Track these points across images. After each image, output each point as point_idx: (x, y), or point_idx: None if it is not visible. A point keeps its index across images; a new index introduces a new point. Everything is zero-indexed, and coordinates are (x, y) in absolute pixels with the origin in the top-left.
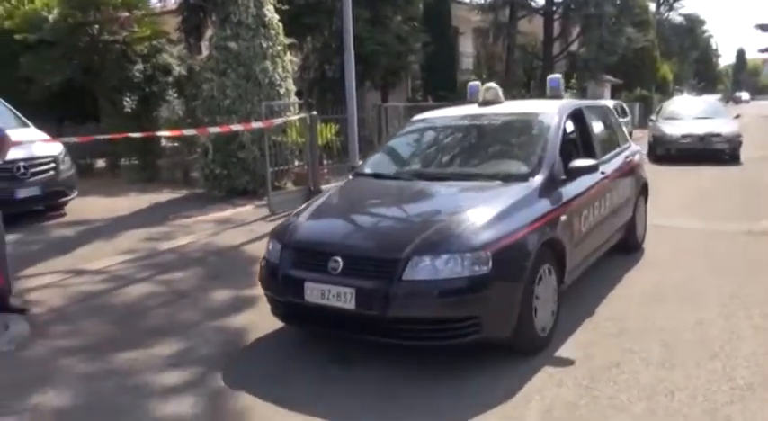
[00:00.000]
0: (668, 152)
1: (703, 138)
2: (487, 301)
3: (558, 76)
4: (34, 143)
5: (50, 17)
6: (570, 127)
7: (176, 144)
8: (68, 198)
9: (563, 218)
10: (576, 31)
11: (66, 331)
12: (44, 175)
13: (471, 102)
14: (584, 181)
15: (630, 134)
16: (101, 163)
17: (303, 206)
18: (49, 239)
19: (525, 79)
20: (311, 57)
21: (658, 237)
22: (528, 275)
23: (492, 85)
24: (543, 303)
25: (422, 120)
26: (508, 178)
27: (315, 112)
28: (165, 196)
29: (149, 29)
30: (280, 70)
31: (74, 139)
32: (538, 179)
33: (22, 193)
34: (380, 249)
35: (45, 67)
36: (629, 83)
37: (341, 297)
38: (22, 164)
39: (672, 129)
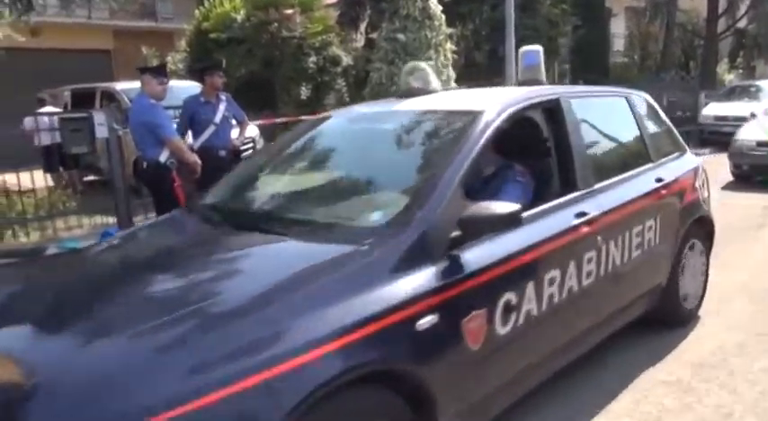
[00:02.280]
0: (739, 169)
1: None
2: None
3: (535, 48)
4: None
5: (238, 17)
6: (532, 135)
7: None
8: None
9: (424, 321)
10: (744, 5)
11: None
12: (247, 154)
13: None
14: (526, 233)
15: None
16: None
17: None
18: None
19: (683, 60)
20: (461, 44)
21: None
22: None
23: (421, 65)
24: None
25: (324, 119)
26: (344, 233)
27: None
28: None
29: (321, 25)
30: (442, 58)
31: (284, 119)
32: (394, 240)
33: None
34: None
35: (235, 62)
36: None
37: None
38: None
39: (751, 132)
